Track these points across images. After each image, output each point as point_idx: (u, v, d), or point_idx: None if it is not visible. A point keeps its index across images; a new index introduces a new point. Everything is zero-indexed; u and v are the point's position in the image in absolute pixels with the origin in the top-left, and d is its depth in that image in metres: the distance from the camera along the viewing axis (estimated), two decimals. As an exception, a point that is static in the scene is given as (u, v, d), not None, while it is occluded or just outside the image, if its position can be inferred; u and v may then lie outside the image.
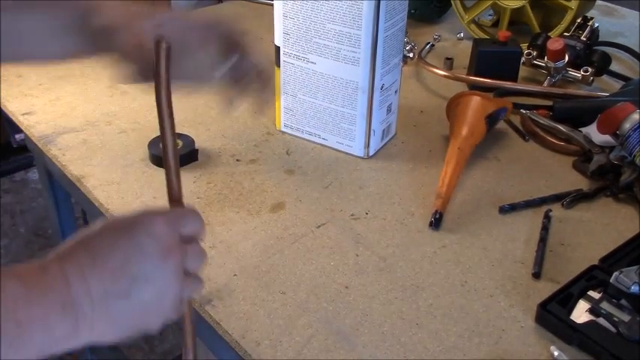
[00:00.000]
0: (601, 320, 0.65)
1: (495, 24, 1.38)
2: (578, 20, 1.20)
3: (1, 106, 1.05)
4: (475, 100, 0.94)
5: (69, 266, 0.43)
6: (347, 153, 0.94)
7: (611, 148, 0.88)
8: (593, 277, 0.70)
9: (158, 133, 0.93)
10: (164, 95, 0.49)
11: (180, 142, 0.91)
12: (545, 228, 0.79)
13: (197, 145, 0.92)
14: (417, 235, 0.79)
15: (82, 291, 0.42)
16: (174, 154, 0.51)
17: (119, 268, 0.44)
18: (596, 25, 1.21)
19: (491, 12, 1.40)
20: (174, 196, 0.52)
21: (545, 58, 1.11)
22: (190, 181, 0.87)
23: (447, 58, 1.21)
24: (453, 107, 0.96)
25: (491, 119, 0.94)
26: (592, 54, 1.14)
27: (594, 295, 0.68)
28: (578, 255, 0.76)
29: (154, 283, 0.45)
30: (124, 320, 0.45)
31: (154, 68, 0.48)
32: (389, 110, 0.94)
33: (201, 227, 0.51)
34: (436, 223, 0.79)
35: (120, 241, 0.45)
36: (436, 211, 0.80)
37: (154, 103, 1.07)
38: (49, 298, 0.41)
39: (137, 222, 0.46)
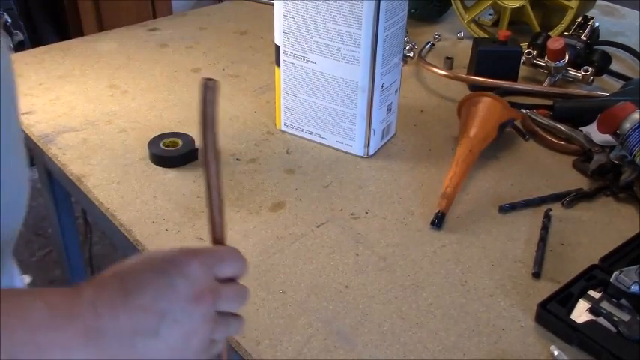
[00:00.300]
0: (601, 320, 0.65)
1: (495, 23, 1.38)
2: (579, 20, 1.20)
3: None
4: (494, 105, 0.93)
5: (101, 296, 0.43)
6: (347, 152, 0.94)
7: (611, 148, 0.88)
8: (593, 277, 0.70)
9: (157, 133, 0.93)
10: (210, 136, 0.47)
11: (180, 142, 0.91)
12: (545, 227, 0.79)
13: (197, 145, 0.92)
14: (417, 234, 0.79)
15: (110, 324, 0.42)
16: (219, 194, 0.50)
17: (150, 306, 0.43)
18: (597, 24, 1.21)
19: (491, 11, 1.40)
20: (218, 237, 0.51)
21: (546, 57, 1.11)
22: (190, 181, 0.87)
23: (447, 58, 1.21)
24: (468, 106, 0.95)
25: (502, 127, 0.94)
26: (592, 53, 1.14)
27: (594, 294, 0.68)
28: (578, 254, 0.76)
29: (182, 325, 0.44)
30: (150, 358, 0.44)
31: (201, 108, 0.46)
32: (389, 110, 0.94)
33: (242, 268, 0.50)
34: (438, 222, 0.79)
35: (153, 278, 0.44)
36: (439, 211, 0.80)
37: (154, 103, 1.07)
38: (74, 326, 0.41)
39: (173, 261, 0.46)
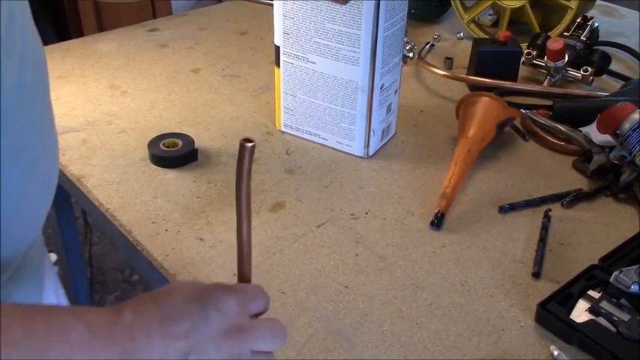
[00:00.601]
0: (601, 320, 0.65)
1: (495, 24, 1.38)
2: (578, 20, 1.20)
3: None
4: (492, 105, 0.93)
5: (138, 320, 0.44)
6: (347, 153, 0.94)
7: (611, 148, 0.88)
8: (593, 277, 0.70)
9: (157, 133, 0.93)
10: (244, 189, 0.49)
11: (179, 142, 0.91)
12: (545, 228, 0.79)
13: (197, 145, 0.92)
14: (416, 234, 0.79)
15: (143, 348, 0.44)
16: (249, 240, 0.52)
17: (183, 335, 0.45)
18: (596, 24, 1.21)
19: (491, 12, 1.40)
20: (245, 276, 0.54)
21: (545, 57, 1.11)
22: (190, 181, 0.87)
23: (447, 58, 1.21)
24: (466, 107, 0.95)
25: (501, 126, 0.94)
26: (592, 54, 1.14)
27: (594, 294, 0.68)
28: (578, 255, 0.76)
29: (209, 357, 0.46)
30: None
31: (237, 164, 0.48)
32: (389, 110, 0.94)
33: (267, 305, 0.52)
34: (438, 222, 0.79)
35: (189, 308, 0.46)
36: (438, 211, 0.80)
37: (154, 103, 1.07)
38: (111, 348, 0.43)
39: (210, 293, 0.47)
